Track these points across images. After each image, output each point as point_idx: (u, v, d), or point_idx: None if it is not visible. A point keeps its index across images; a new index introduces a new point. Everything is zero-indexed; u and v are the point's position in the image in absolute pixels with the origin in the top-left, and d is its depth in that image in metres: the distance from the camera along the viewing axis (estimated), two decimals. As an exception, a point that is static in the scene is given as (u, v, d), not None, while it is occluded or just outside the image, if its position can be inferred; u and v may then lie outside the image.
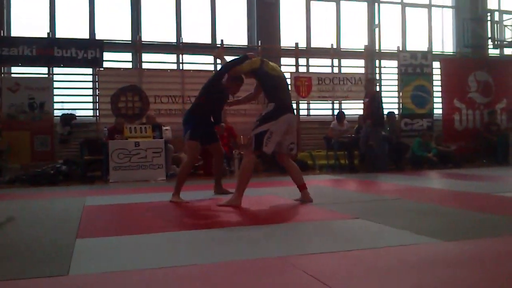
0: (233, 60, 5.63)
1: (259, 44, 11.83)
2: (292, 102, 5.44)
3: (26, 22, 10.80)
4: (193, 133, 5.71)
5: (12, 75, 10.51)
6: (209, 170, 10.19)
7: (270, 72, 5.18)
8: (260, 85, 5.39)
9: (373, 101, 9.96)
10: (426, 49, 13.23)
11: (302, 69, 12.23)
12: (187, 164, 5.92)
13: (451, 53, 13.99)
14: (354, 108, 12.46)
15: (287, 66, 12.15)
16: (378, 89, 12.79)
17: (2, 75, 10.37)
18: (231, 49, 11.82)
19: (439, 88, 13.16)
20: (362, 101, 12.31)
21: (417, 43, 13.62)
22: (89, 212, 4.94)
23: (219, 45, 11.47)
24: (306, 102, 12.24)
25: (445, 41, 14.13)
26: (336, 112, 12.02)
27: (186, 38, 11.57)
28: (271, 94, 5.17)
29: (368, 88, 10.46)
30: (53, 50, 10.07)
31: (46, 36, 10.42)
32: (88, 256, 3.01)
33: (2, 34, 10.31)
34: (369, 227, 3.79)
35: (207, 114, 5.97)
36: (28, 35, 10.17)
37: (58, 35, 10.82)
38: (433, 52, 13.26)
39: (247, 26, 12.32)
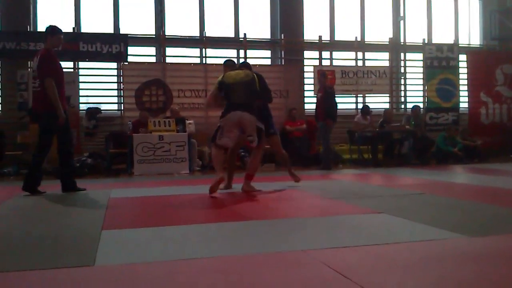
0: None
1: (282, 37, 11.80)
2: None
3: (52, 17, 10.96)
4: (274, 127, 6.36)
5: (39, 70, 10.67)
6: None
7: (226, 81, 5.92)
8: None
9: (327, 96, 9.48)
10: (452, 42, 13.00)
11: (326, 63, 12.15)
12: (286, 156, 6.62)
13: (478, 46, 13.72)
14: (378, 102, 12.36)
15: (310, 59, 12.10)
16: (403, 82, 12.70)
17: (29, 69, 10.55)
18: (254, 43, 11.86)
19: (465, 82, 12.94)
20: (387, 95, 12.26)
21: (443, 36, 13.40)
22: (114, 204, 5.01)
23: (242, 39, 11.50)
24: (329, 95, 12.15)
25: (471, 34, 13.85)
26: (360, 106, 11.94)
27: (209, 32, 11.60)
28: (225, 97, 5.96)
29: (321, 81, 9.97)
30: (78, 45, 10.21)
31: (71, 31, 10.56)
32: (113, 247, 3.06)
33: (29, 29, 10.49)
34: (392, 222, 3.77)
35: None
36: (54, 30, 10.32)
37: (83, 30, 10.95)
38: (460, 45, 13.03)
39: (270, 20, 12.28)
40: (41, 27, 10.82)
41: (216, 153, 5.96)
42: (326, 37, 12.29)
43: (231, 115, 5.78)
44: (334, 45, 12.44)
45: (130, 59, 10.85)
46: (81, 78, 10.64)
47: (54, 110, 5.83)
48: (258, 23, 12.19)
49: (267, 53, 12.31)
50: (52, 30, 6.21)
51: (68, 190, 6.10)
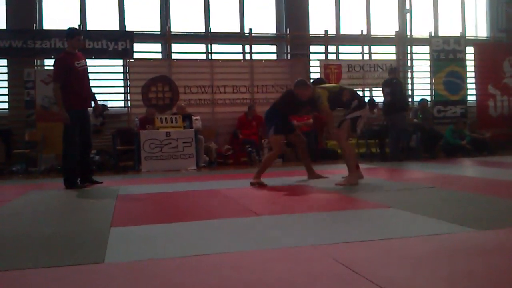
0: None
1: (288, 32, 11.76)
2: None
3: (58, 15, 10.99)
4: (277, 129, 6.33)
5: (45, 68, 10.71)
6: (238, 159, 10.32)
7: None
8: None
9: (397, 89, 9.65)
10: (459, 34, 12.91)
11: (332, 57, 12.11)
12: (273, 155, 6.55)
13: (485, 38, 13.61)
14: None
15: (316, 53, 12.06)
16: (410, 75, 12.63)
17: (36, 67, 10.60)
18: (259, 38, 11.83)
19: (473, 74, 12.85)
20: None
21: (449, 28, 13.31)
22: (122, 201, 5.03)
23: (248, 34, 11.48)
24: (336, 90, 12.11)
25: (478, 26, 13.76)
26: (367, 100, 11.87)
27: (215, 28, 11.58)
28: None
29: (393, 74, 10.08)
30: (84, 42, 10.23)
31: (75, 27, 10.55)
32: (122, 244, 3.07)
33: (35, 28, 10.51)
34: (401, 216, 3.75)
35: (286, 113, 6.60)
36: (60, 28, 10.34)
37: (89, 27, 10.97)
38: (467, 37, 12.94)
39: (276, 15, 12.24)
40: (47, 25, 10.86)
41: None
42: (332, 31, 12.25)
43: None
44: (340, 39, 12.40)
45: (136, 56, 10.87)
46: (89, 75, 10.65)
47: (65, 110, 6.28)
48: (263, 18, 12.17)
49: (273, 48, 12.28)
50: (70, 32, 6.56)
51: (71, 186, 6.36)
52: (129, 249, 2.96)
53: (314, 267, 2.43)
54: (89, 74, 6.87)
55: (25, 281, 2.39)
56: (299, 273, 2.34)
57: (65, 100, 6.30)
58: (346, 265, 2.39)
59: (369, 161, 9.91)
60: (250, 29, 11.46)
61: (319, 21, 12.26)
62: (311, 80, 6.94)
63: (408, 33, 12.71)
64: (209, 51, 11.47)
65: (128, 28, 11.04)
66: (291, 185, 6.02)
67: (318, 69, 11.64)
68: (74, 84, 6.35)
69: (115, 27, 11.17)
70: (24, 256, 2.86)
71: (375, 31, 12.71)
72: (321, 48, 12.01)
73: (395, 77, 10.01)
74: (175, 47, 11.31)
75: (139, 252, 2.85)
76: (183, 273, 2.44)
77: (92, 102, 6.78)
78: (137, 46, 10.85)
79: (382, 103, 10.06)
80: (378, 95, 12.17)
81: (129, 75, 10.84)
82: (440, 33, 13.01)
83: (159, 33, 11.45)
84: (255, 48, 11.61)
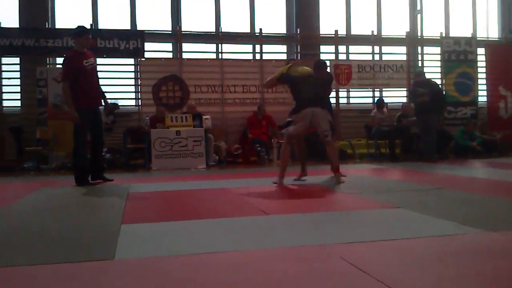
0: None
1: (298, 32, 11.76)
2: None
3: (70, 14, 11.07)
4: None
5: (57, 66, 10.79)
6: (248, 159, 10.34)
7: (291, 74, 6.09)
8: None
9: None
10: (470, 35, 12.84)
11: (342, 57, 12.10)
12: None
13: (497, 39, 13.53)
14: (395, 96, 12.30)
15: (326, 53, 12.05)
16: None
17: (48, 66, 10.69)
18: (270, 38, 11.84)
19: (484, 75, 12.78)
20: (404, 89, 12.15)
21: (460, 29, 13.24)
22: (133, 198, 5.07)
23: (258, 34, 11.49)
24: (346, 90, 12.11)
25: (490, 27, 13.67)
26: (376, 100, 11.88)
27: (225, 28, 11.61)
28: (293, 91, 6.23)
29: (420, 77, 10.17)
30: (96, 41, 10.29)
31: (89, 27, 10.64)
32: (133, 241, 3.10)
33: (47, 26, 10.61)
34: (410, 217, 3.75)
35: None
36: (71, 27, 10.40)
37: (101, 26, 11.05)
38: (478, 38, 12.87)
39: (286, 14, 12.25)
40: (59, 24, 10.96)
41: (284, 148, 6.26)
42: (342, 31, 12.24)
43: (304, 112, 5.97)
44: (350, 39, 12.38)
45: (147, 55, 10.93)
46: (99, 74, 10.66)
47: (75, 109, 6.33)
48: (273, 18, 12.18)
49: (283, 48, 12.30)
50: (79, 31, 6.60)
51: (81, 183, 6.42)
52: (139, 246, 2.99)
53: (322, 266, 2.44)
54: (100, 72, 6.94)
55: (36, 277, 2.42)
56: (307, 272, 2.35)
57: (75, 99, 6.34)
58: (354, 265, 2.40)
59: (379, 161, 9.89)
60: (261, 29, 11.48)
61: (330, 21, 12.25)
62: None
63: (419, 34, 12.68)
64: (220, 50, 11.51)
65: (139, 27, 11.11)
66: (301, 184, 6.03)
67: (328, 69, 11.60)
68: (83, 83, 6.38)
69: (127, 26, 11.24)
70: (35, 252, 2.89)
71: (386, 32, 12.69)
72: (331, 48, 12.00)
73: (429, 78, 10.14)
74: (185, 46, 11.35)
75: (149, 249, 2.88)
76: (192, 270, 2.46)
77: (102, 101, 6.82)
78: (148, 45, 10.91)
79: (415, 103, 9.88)
80: (389, 95, 12.17)
81: (140, 74, 10.89)
82: (451, 34, 12.94)
83: (170, 32, 11.50)
84: (265, 48, 11.63)
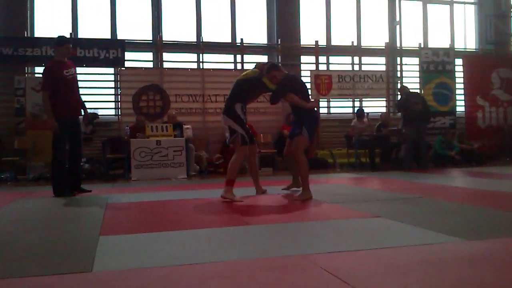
0: None
1: (279, 42, 11.83)
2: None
3: (49, 23, 10.97)
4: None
5: (36, 75, 10.69)
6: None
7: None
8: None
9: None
10: (448, 46, 13.07)
11: (322, 67, 12.19)
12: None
13: (474, 50, 13.79)
14: (375, 106, 12.42)
15: (307, 64, 12.14)
16: (399, 86, 12.74)
17: (26, 75, 10.56)
18: (251, 48, 11.88)
19: (462, 86, 13.01)
20: (383, 99, 12.29)
21: (439, 40, 13.47)
22: (112, 209, 5.02)
23: (239, 44, 11.53)
24: (326, 100, 12.20)
25: (467, 38, 13.94)
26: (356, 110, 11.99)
27: (206, 37, 11.62)
28: None
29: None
30: (75, 50, 10.22)
31: (68, 36, 10.56)
32: (111, 253, 3.06)
33: (25, 35, 10.50)
34: (390, 226, 3.77)
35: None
36: (51, 36, 10.32)
37: (80, 35, 10.97)
38: (455, 49, 13.11)
39: (267, 25, 12.32)
40: (38, 33, 10.85)
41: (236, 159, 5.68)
42: (322, 42, 12.35)
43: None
44: (330, 49, 12.50)
45: (127, 64, 10.89)
46: (79, 84, 10.60)
47: (55, 118, 6.29)
48: (255, 28, 12.24)
49: (264, 58, 12.33)
50: (59, 40, 6.58)
51: (59, 194, 6.36)
52: (118, 258, 2.95)
53: (302, 277, 2.44)
54: (80, 82, 6.89)
55: (12, 290, 2.37)
56: (287, 283, 2.35)
57: (55, 109, 6.29)
58: (335, 275, 2.41)
59: (359, 170, 9.96)
60: (242, 39, 11.52)
61: (310, 31, 12.36)
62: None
63: (398, 45, 12.86)
64: (201, 60, 11.52)
65: (119, 37, 11.06)
66: (281, 195, 6.03)
67: (308, 79, 11.70)
68: (63, 92, 6.33)
69: (107, 35, 11.18)
70: (11, 264, 2.84)
71: (365, 43, 12.84)
72: (312, 58, 12.09)
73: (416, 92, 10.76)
74: (166, 56, 11.34)
75: (128, 261, 2.84)
76: (171, 282, 2.43)
77: (82, 111, 6.75)
78: (128, 55, 10.87)
79: (407, 112, 10.06)
80: (368, 105, 12.28)
81: (120, 83, 10.83)
82: (430, 45, 13.16)
83: (151, 42, 11.48)
84: (247, 58, 11.66)
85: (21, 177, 9.39)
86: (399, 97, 11.06)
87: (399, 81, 12.78)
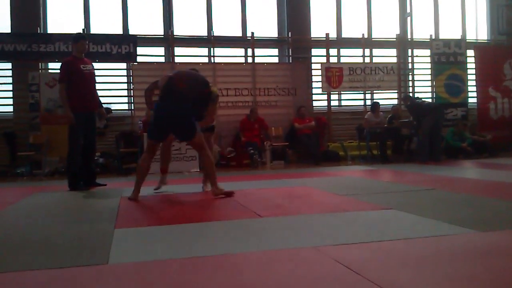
0: None
1: (290, 35, 11.82)
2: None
3: (62, 19, 11.06)
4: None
5: (50, 71, 10.78)
6: (241, 162, 10.37)
7: None
8: None
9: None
10: (459, 37, 12.96)
11: (333, 60, 12.15)
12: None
13: (486, 41, 13.66)
14: (386, 98, 12.37)
15: (318, 56, 12.12)
16: (411, 78, 12.68)
17: (40, 71, 10.66)
18: (261, 42, 11.89)
19: (473, 77, 12.90)
20: (395, 91, 12.24)
21: (450, 31, 13.36)
22: (126, 203, 5.08)
23: (250, 38, 11.54)
24: (337, 92, 12.17)
25: (479, 29, 13.81)
26: (368, 102, 11.96)
27: (217, 32, 11.64)
28: None
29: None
30: (88, 46, 10.27)
31: (81, 32, 10.64)
32: (126, 246, 3.11)
33: (39, 31, 10.59)
34: (402, 218, 3.79)
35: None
36: (64, 32, 10.42)
37: (93, 31, 11.04)
38: (467, 40, 12.99)
39: (277, 18, 12.30)
40: (51, 29, 10.94)
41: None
42: (333, 34, 12.30)
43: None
44: (341, 42, 12.45)
45: (139, 59, 10.93)
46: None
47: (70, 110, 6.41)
48: (265, 21, 12.23)
49: (275, 51, 12.36)
50: (75, 37, 6.82)
51: (75, 188, 6.46)
52: (133, 250, 3.00)
53: (315, 269, 2.47)
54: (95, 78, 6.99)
55: (29, 283, 2.43)
56: (300, 275, 2.38)
57: (71, 102, 6.43)
58: (347, 267, 2.43)
59: (370, 163, 9.96)
60: (252, 33, 11.52)
61: (321, 24, 12.32)
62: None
63: (409, 36, 12.77)
64: (212, 54, 11.53)
65: (131, 32, 11.10)
66: (291, 187, 6.06)
67: (319, 72, 11.70)
68: (80, 86, 6.48)
69: (119, 31, 11.24)
70: (28, 257, 2.89)
71: (376, 34, 12.77)
72: (323, 51, 12.07)
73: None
74: (178, 50, 11.37)
75: (143, 253, 2.89)
76: (186, 274, 2.48)
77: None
78: (140, 50, 10.92)
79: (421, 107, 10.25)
80: (379, 97, 12.24)
81: (132, 78, 10.89)
82: (441, 36, 13.06)
83: (162, 36, 11.52)
84: (257, 51, 11.66)
85: (36, 171, 9.50)
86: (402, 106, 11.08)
87: (410, 73, 12.71)
